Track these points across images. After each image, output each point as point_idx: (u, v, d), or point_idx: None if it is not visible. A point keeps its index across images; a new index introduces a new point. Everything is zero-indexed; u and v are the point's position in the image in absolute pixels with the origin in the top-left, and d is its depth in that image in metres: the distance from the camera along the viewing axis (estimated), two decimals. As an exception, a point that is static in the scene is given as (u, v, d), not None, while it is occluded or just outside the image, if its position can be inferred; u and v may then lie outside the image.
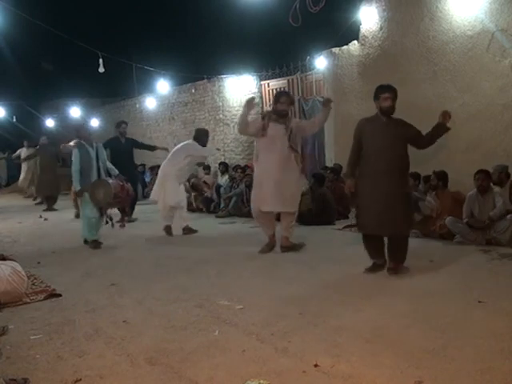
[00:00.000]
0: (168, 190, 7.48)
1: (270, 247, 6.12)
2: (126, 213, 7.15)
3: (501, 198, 5.98)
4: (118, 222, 7.17)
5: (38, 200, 13.36)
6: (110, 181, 6.76)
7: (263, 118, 6.02)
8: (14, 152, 16.26)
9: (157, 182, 7.83)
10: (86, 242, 7.00)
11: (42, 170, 12.16)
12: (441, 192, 6.69)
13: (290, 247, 6.07)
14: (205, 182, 10.45)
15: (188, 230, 7.67)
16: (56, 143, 11.80)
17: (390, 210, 4.67)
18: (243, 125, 5.97)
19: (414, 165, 7.37)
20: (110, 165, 7.13)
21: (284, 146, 5.84)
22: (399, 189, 4.76)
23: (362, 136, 4.89)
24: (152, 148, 10.37)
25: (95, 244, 6.83)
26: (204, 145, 7.75)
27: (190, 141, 7.84)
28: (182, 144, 7.96)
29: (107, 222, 6.88)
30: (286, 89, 11.28)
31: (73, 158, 6.72)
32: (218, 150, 11.42)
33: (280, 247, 6.10)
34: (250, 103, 5.93)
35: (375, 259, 4.95)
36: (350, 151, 5.01)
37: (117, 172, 7.06)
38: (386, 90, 4.79)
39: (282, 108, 5.87)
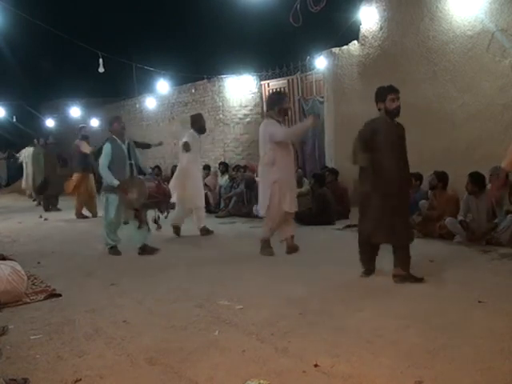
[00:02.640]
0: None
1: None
2: (162, 213, 6.40)
3: (497, 202, 5.99)
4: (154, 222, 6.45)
5: (37, 201, 13.32)
6: (144, 179, 6.21)
7: (279, 122, 5.92)
8: (14, 152, 16.31)
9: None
10: (112, 249, 6.41)
11: (47, 169, 12.11)
12: (439, 193, 6.67)
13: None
14: (205, 184, 10.38)
15: (205, 231, 7.56)
16: (60, 144, 11.79)
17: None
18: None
19: (414, 165, 7.44)
20: (142, 163, 6.58)
21: (291, 146, 6.01)
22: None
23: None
24: (148, 146, 10.19)
25: (114, 250, 6.38)
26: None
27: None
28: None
29: (140, 227, 6.20)
30: (286, 89, 11.30)
31: (102, 154, 6.16)
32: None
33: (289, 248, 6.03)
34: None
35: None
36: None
37: (149, 171, 6.59)
38: (393, 91, 4.59)
39: (288, 106, 6.12)
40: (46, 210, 11.65)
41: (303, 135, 6.70)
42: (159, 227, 6.41)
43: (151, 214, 6.44)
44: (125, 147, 6.24)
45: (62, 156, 12.79)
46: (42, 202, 12.41)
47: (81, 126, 10.98)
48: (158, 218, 6.39)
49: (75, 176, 10.26)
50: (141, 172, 6.43)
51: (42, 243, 7.47)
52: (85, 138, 10.37)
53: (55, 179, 11.82)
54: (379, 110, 4.68)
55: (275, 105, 5.94)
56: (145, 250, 6.30)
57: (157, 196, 6.09)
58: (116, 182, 6.01)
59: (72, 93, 18.79)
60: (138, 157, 6.47)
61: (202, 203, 7.63)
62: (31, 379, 2.86)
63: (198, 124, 7.64)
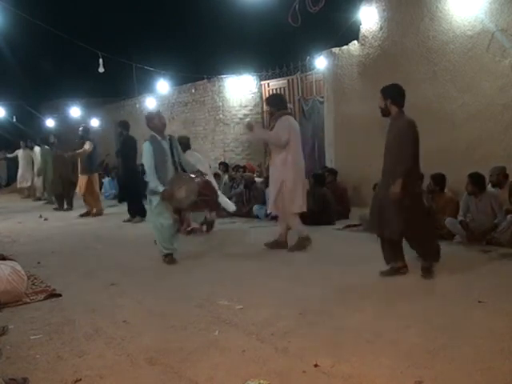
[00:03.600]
0: None
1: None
2: (213, 214, 5.82)
3: (497, 203, 5.98)
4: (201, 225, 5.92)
5: (48, 199, 13.30)
6: (192, 175, 5.61)
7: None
8: (11, 152, 16.32)
9: None
10: (166, 257, 5.80)
11: (56, 168, 12.05)
12: (438, 195, 6.64)
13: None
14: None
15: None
16: (66, 141, 11.79)
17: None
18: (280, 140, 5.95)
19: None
20: (185, 160, 6.00)
21: None
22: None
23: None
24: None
25: (170, 259, 5.71)
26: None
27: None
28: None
29: (178, 230, 5.78)
30: (286, 89, 11.31)
31: (143, 155, 5.68)
32: None
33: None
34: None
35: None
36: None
37: (196, 168, 5.97)
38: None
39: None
40: (65, 209, 11.66)
41: None
42: (209, 229, 5.90)
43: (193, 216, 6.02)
44: (166, 143, 5.75)
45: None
46: (56, 202, 12.40)
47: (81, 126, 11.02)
48: (205, 219, 5.84)
49: (80, 177, 10.35)
50: (183, 170, 5.86)
51: (42, 243, 7.46)
52: (83, 138, 10.38)
53: (68, 178, 11.75)
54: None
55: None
56: (166, 257, 5.77)
57: (206, 194, 5.49)
58: (161, 188, 5.47)
59: (72, 93, 18.79)
60: (181, 153, 5.94)
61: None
62: (31, 379, 2.86)
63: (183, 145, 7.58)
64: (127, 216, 9.36)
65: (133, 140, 9.33)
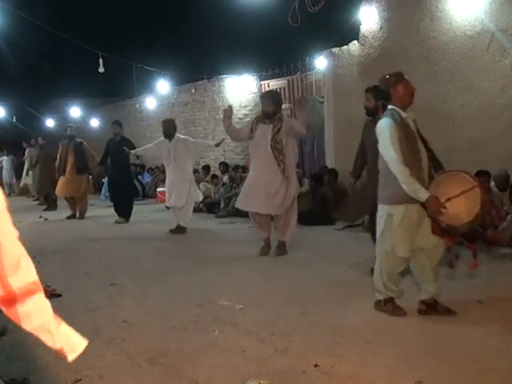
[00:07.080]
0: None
1: (266, 250, 5.99)
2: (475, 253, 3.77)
3: (499, 202, 5.99)
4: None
5: (38, 200, 13.35)
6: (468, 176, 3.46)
7: (253, 121, 6.09)
8: (14, 153, 16.31)
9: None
10: (386, 303, 3.76)
11: (42, 170, 12.08)
12: None
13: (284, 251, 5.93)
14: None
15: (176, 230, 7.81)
16: (54, 143, 11.73)
17: None
18: (231, 133, 6.43)
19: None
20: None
21: (266, 146, 5.72)
22: None
23: None
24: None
25: (393, 306, 3.74)
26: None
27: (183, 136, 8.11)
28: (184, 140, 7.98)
29: (452, 266, 3.83)
30: (286, 89, 11.30)
31: (381, 139, 3.59)
32: None
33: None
34: (226, 112, 6.36)
35: None
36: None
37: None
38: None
39: (266, 109, 5.85)
40: (45, 209, 11.61)
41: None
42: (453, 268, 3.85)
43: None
44: (412, 124, 3.69)
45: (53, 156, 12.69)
46: (43, 201, 12.42)
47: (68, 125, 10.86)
48: (457, 256, 3.83)
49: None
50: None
51: (41, 243, 7.45)
52: (70, 137, 10.25)
53: (51, 179, 11.68)
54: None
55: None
56: (385, 303, 3.77)
57: (484, 206, 3.40)
58: (425, 195, 3.36)
59: (72, 93, 18.81)
60: None
61: (178, 203, 7.78)
62: (31, 379, 2.86)
63: (163, 130, 7.94)
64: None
65: (109, 141, 9.46)
